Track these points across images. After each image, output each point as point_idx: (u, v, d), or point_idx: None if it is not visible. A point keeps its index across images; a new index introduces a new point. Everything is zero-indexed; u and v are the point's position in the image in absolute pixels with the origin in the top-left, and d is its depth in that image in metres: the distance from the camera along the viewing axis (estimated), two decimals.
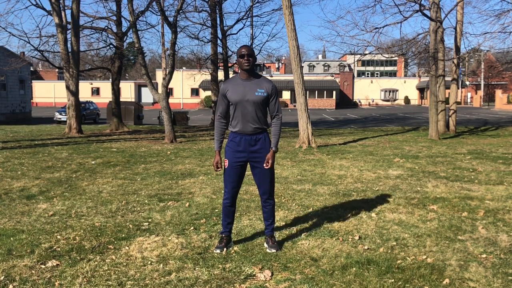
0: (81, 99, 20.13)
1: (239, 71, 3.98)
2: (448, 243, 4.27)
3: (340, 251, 4.07)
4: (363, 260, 3.80)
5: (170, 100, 20.18)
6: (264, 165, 3.95)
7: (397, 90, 66.50)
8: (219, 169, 4.03)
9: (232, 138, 4.02)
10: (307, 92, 24.40)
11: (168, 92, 16.18)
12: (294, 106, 48.99)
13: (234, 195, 4.07)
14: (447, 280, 3.42)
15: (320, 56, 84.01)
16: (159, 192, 6.64)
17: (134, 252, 4.05)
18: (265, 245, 4.16)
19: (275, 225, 4.49)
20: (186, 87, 59.67)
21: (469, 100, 61.03)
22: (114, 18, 19.81)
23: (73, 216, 5.33)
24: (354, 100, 63.67)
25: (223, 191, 6.56)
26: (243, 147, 3.96)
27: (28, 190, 6.85)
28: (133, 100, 55.31)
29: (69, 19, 17.69)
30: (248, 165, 4.10)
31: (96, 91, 62.15)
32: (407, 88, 66.31)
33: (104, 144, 13.64)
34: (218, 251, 4.04)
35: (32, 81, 55.67)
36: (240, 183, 4.08)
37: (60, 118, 27.05)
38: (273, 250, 4.03)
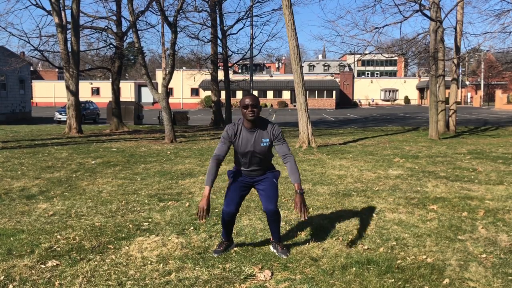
0: (81, 99, 20.14)
1: (243, 120, 3.84)
2: (448, 243, 4.27)
3: (340, 251, 4.07)
4: (363, 260, 3.79)
5: (170, 100, 20.18)
6: (296, 210, 3.64)
7: (397, 90, 66.49)
8: (204, 217, 3.59)
9: (237, 170, 4.01)
10: (307, 92, 24.38)
11: (168, 92, 16.19)
12: (294, 106, 48.99)
13: (234, 213, 3.90)
14: (447, 280, 3.42)
15: (320, 56, 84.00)
16: (159, 192, 6.64)
17: (134, 252, 4.05)
18: (273, 250, 4.08)
19: None
20: (186, 87, 59.66)
21: (469, 100, 61.02)
22: (114, 18, 19.82)
23: (73, 216, 5.33)
24: (354, 100, 63.66)
25: (222, 191, 6.58)
26: (248, 178, 3.98)
27: (28, 190, 6.85)
28: (133, 100, 55.30)
29: (69, 19, 17.70)
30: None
31: (96, 91, 62.13)
32: (407, 88, 66.29)
33: (104, 144, 13.64)
34: (215, 255, 3.98)
35: (32, 81, 55.66)
36: (240, 203, 3.93)
37: (60, 118, 27.05)
38: (284, 256, 3.93)
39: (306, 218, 3.62)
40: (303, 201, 3.64)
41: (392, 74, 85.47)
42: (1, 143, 13.64)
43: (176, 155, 11.04)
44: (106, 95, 54.46)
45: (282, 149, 3.82)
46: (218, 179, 7.60)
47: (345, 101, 62.03)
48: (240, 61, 26.91)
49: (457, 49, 18.08)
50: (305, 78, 14.31)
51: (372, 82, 65.50)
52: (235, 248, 4.13)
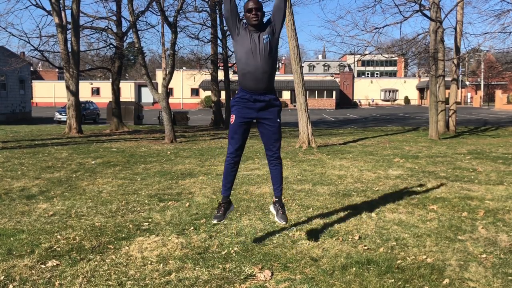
0: (81, 99, 20.15)
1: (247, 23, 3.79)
2: (448, 243, 4.27)
3: (340, 251, 4.07)
4: (363, 260, 3.79)
5: (170, 100, 20.18)
6: None
7: (397, 90, 66.51)
8: None
9: (240, 95, 3.83)
10: (307, 92, 24.39)
11: (168, 92, 16.19)
12: (294, 106, 48.96)
13: (238, 154, 3.89)
14: (447, 280, 3.42)
15: (320, 56, 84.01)
16: (159, 192, 6.64)
17: (134, 252, 4.05)
18: (273, 211, 4.02)
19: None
20: (186, 87, 59.68)
21: (469, 100, 61.03)
22: (114, 18, 19.83)
23: (73, 216, 5.33)
24: (354, 100, 63.68)
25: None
26: (252, 104, 3.80)
27: (28, 190, 6.85)
28: (133, 100, 55.28)
29: (69, 19, 17.71)
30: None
31: (96, 91, 62.14)
32: (407, 88, 66.31)
33: (104, 144, 13.64)
34: (215, 221, 3.90)
35: (32, 81, 55.63)
36: (244, 141, 3.90)
37: (60, 118, 27.06)
38: (283, 222, 3.86)
39: None
40: None
41: (392, 74, 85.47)
42: (1, 143, 13.64)
43: (176, 155, 11.04)
44: (106, 95, 54.44)
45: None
46: (219, 180, 7.60)
47: (345, 101, 62.04)
48: None
49: (457, 49, 18.08)
50: (305, 78, 14.31)
51: (372, 82, 65.51)
52: (235, 248, 4.13)
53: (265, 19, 3.87)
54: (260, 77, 3.72)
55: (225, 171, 3.97)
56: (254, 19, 3.66)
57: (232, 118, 3.85)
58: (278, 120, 3.87)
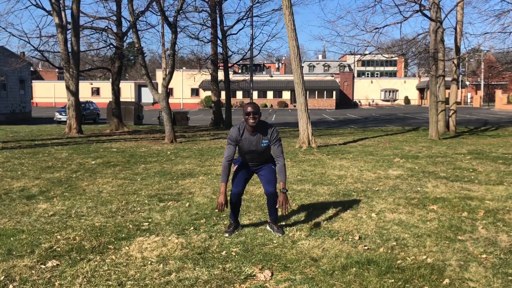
0: (81, 99, 20.15)
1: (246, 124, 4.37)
2: (448, 243, 4.27)
3: (340, 251, 4.07)
4: (363, 260, 3.80)
5: (170, 100, 20.18)
6: (278, 207, 4.36)
7: (397, 90, 66.48)
8: (223, 209, 4.36)
9: (241, 161, 4.63)
10: (307, 92, 24.37)
11: (168, 92, 16.19)
12: (294, 106, 48.98)
13: (240, 192, 4.50)
14: (447, 280, 3.42)
15: (320, 56, 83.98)
16: (159, 192, 6.64)
17: (134, 252, 4.05)
18: (269, 229, 4.67)
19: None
20: (186, 87, 59.66)
21: (469, 100, 61.00)
22: (114, 18, 19.82)
23: (73, 216, 5.34)
24: (354, 100, 63.66)
25: None
26: (251, 168, 4.64)
27: (28, 190, 6.85)
28: (133, 100, 55.27)
29: (69, 19, 17.69)
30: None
31: (96, 91, 62.12)
32: (407, 88, 66.28)
33: (104, 144, 13.64)
34: (226, 235, 4.51)
35: (32, 81, 55.59)
36: (245, 185, 4.58)
37: (60, 118, 27.03)
38: (279, 234, 4.50)
39: (287, 213, 4.46)
40: (286, 199, 4.30)
41: (392, 74, 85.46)
42: (1, 143, 13.64)
43: (176, 155, 11.04)
44: (106, 95, 54.41)
45: (276, 151, 4.41)
46: (218, 180, 7.59)
47: (345, 101, 62.02)
48: (240, 61, 26.91)
49: (457, 49, 18.08)
50: (305, 78, 14.32)
51: (372, 82, 65.48)
52: (235, 248, 4.13)
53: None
54: (257, 161, 4.55)
55: (231, 205, 4.56)
56: (251, 121, 4.28)
57: (235, 167, 4.60)
58: (273, 166, 4.54)
